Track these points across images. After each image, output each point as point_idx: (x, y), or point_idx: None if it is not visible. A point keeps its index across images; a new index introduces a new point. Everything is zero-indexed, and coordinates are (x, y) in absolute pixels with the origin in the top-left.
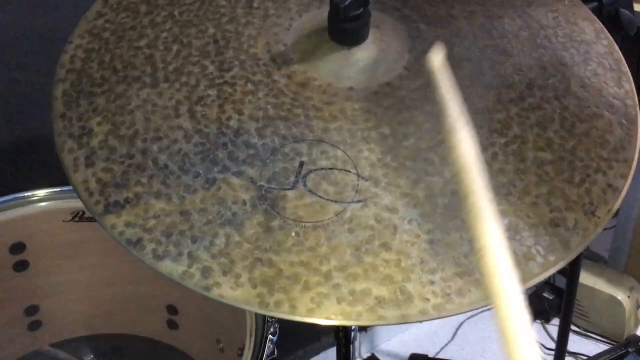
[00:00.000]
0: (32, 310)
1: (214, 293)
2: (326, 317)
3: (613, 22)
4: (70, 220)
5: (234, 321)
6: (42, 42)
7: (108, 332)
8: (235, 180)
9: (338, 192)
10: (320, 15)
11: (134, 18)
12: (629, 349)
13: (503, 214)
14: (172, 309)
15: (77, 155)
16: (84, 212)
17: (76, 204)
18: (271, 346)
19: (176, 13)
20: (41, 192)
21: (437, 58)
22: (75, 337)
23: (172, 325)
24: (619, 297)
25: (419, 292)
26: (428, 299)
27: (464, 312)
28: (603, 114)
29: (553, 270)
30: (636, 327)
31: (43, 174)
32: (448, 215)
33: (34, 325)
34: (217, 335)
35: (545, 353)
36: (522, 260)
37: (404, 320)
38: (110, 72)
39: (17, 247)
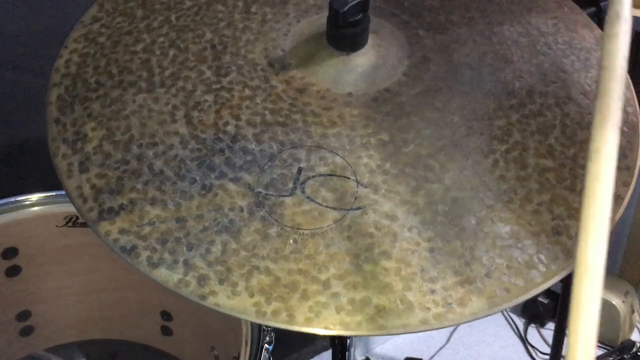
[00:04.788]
0: (24, 315)
1: (210, 302)
2: (325, 327)
3: None
4: (63, 226)
5: (229, 329)
6: (37, 43)
7: (101, 338)
8: (232, 187)
9: (337, 199)
10: (318, 21)
11: (130, 23)
12: (624, 355)
13: (504, 221)
14: (166, 315)
15: (71, 161)
16: (77, 217)
17: (69, 208)
18: (267, 355)
19: (173, 18)
20: (34, 197)
21: None
22: (69, 343)
23: (166, 331)
24: (613, 302)
25: (419, 302)
26: (429, 309)
27: (465, 322)
28: None
29: (555, 280)
30: (631, 331)
31: (37, 177)
32: (448, 222)
33: (26, 331)
34: (212, 342)
35: (540, 357)
36: (524, 269)
37: (405, 331)
38: (106, 76)
39: (10, 252)
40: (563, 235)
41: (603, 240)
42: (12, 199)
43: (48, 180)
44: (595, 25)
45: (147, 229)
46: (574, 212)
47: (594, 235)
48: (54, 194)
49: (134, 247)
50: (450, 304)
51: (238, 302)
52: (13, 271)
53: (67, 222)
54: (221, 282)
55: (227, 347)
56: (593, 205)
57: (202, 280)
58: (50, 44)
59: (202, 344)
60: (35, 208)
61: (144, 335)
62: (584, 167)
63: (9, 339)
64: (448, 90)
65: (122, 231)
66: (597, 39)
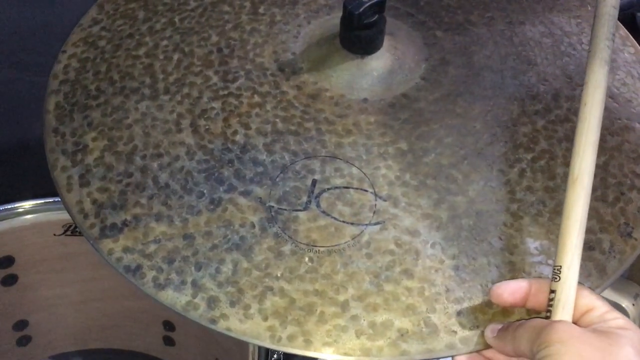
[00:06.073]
0: (21, 325)
1: (221, 326)
2: (344, 353)
3: (629, 27)
4: (61, 234)
5: (234, 342)
6: (36, 40)
7: (101, 347)
8: (242, 201)
9: (354, 214)
10: (330, 22)
11: (131, 25)
12: None
13: (533, 236)
14: (168, 325)
15: (70, 174)
16: (76, 226)
17: (68, 216)
18: None
19: (177, 20)
20: (31, 203)
21: None
22: (67, 352)
23: (168, 341)
24: (623, 305)
25: (444, 324)
26: (455, 332)
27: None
28: (634, 127)
29: None
30: None
31: (34, 181)
32: (474, 238)
33: (23, 341)
34: (216, 354)
35: None
36: None
37: (430, 356)
38: (107, 83)
39: (6, 261)
40: (595, 251)
41: (591, 153)
42: (9, 206)
43: (46, 185)
44: (620, 24)
45: (152, 247)
46: (606, 226)
47: (583, 149)
48: (51, 200)
49: (138, 267)
50: (478, 326)
51: (251, 326)
52: (9, 280)
53: (66, 231)
54: (232, 304)
55: None
56: (584, 127)
57: (212, 302)
58: (48, 41)
59: (206, 356)
60: (33, 215)
61: (145, 345)
62: (615, 176)
63: (6, 349)
64: (469, 95)
65: (125, 249)
66: (622, 38)
